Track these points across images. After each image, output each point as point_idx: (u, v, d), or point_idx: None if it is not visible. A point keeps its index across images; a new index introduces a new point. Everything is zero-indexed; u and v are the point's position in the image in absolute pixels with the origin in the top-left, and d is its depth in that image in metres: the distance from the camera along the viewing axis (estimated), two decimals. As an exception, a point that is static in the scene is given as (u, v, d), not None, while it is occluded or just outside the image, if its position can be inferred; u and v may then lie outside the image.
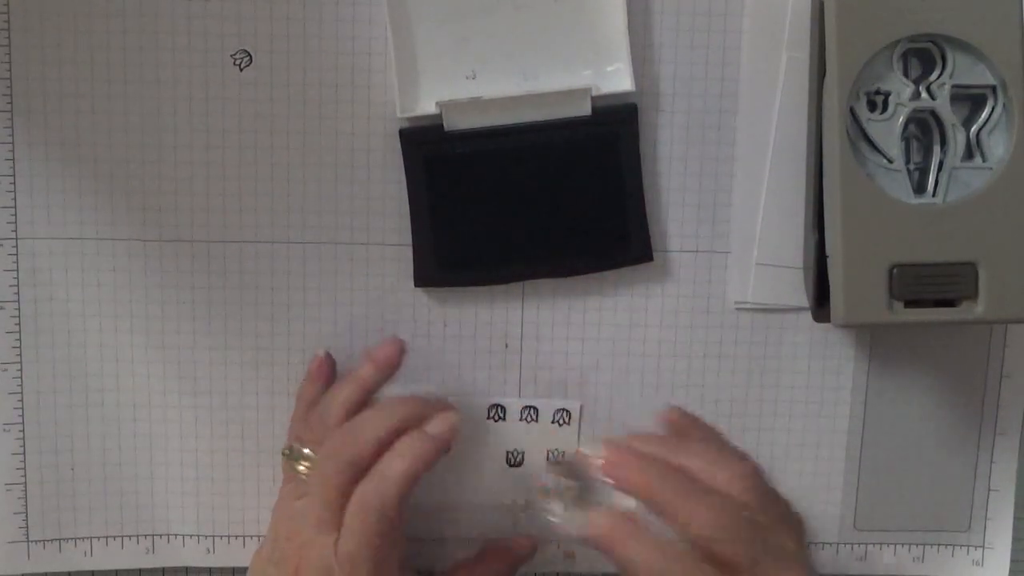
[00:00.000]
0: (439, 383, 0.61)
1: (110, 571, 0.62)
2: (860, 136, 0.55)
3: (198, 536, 0.62)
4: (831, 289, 0.55)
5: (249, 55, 0.59)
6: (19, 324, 0.60)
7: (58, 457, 0.61)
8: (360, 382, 0.56)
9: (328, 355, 0.59)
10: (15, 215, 0.59)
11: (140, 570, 0.62)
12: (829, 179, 0.55)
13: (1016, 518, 0.63)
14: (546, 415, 0.62)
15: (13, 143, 0.59)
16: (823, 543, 0.63)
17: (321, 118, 0.59)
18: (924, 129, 0.56)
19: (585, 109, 0.58)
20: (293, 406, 0.60)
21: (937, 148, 0.55)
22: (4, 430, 0.60)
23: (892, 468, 0.62)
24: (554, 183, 0.59)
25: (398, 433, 0.53)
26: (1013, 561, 0.63)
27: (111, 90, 0.59)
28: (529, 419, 0.62)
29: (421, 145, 0.58)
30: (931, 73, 0.55)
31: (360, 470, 0.52)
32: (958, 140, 0.55)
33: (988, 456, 0.62)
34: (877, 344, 0.61)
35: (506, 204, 0.59)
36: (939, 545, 0.63)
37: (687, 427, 0.58)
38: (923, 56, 0.55)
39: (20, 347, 0.60)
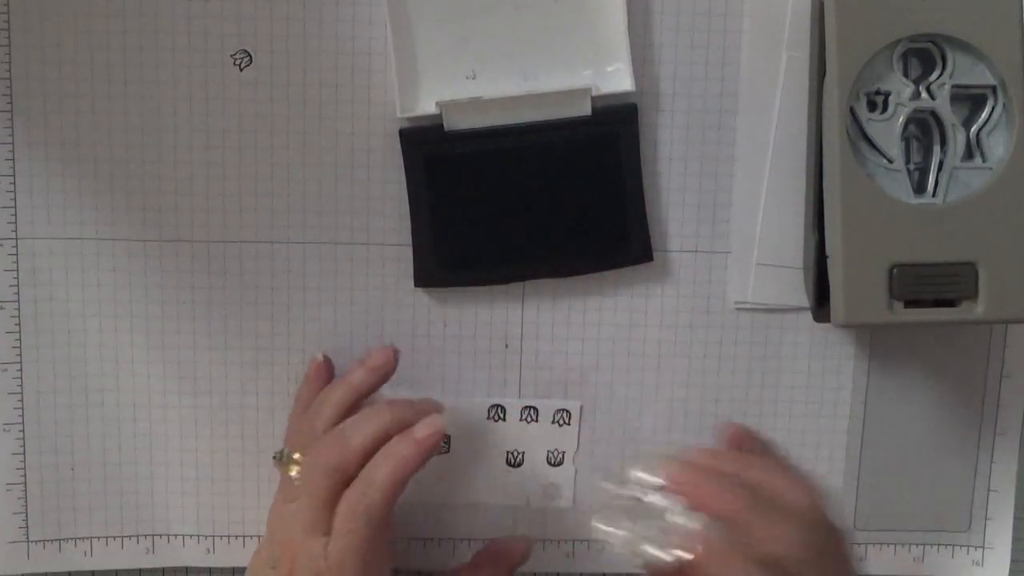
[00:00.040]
0: (439, 383, 0.61)
1: (110, 571, 0.62)
2: (860, 136, 0.55)
3: (198, 536, 0.62)
4: (831, 289, 0.55)
5: (249, 55, 0.59)
6: (19, 324, 0.60)
7: (58, 457, 0.61)
8: (350, 386, 0.56)
9: (326, 358, 0.59)
10: (15, 215, 0.59)
11: (140, 570, 0.62)
12: (829, 179, 0.55)
13: (1016, 518, 0.63)
14: (546, 415, 0.62)
15: (13, 143, 0.59)
16: (823, 543, 0.63)
17: (321, 118, 0.59)
18: (924, 129, 0.56)
19: (585, 109, 0.58)
20: (293, 406, 0.60)
21: (937, 148, 0.55)
22: (4, 430, 0.60)
23: (892, 468, 0.62)
24: (554, 183, 0.59)
25: (385, 438, 0.53)
26: (1013, 561, 0.63)
27: (111, 90, 0.59)
28: (529, 419, 0.62)
29: (421, 145, 0.58)
30: (931, 73, 0.55)
31: (348, 475, 0.52)
32: (958, 140, 0.55)
33: (988, 456, 0.62)
34: (877, 344, 0.61)
35: (506, 204, 0.59)
36: (939, 545, 0.63)
37: (747, 442, 0.58)
38: (923, 56, 0.55)
39: (20, 347, 0.60)
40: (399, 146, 0.59)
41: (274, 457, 0.57)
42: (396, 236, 0.60)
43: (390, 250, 0.60)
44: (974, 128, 0.55)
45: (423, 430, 0.53)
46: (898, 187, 0.54)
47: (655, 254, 0.60)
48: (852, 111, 0.54)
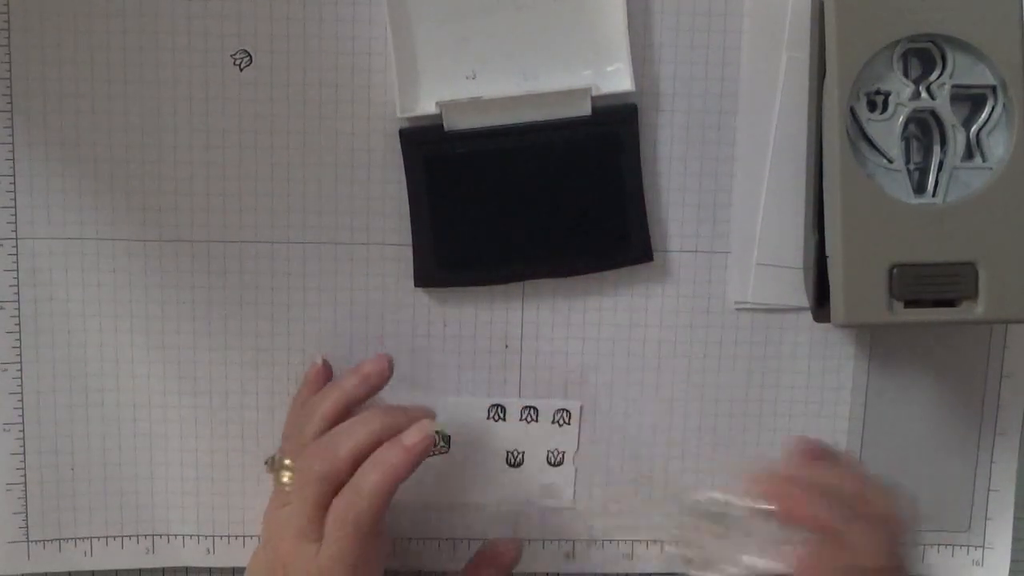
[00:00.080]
0: (439, 383, 0.61)
1: (110, 571, 0.62)
2: (860, 136, 0.55)
3: (198, 536, 0.62)
4: (831, 289, 0.55)
5: (249, 55, 0.59)
6: (19, 324, 0.60)
7: (58, 457, 0.61)
8: (342, 393, 0.56)
9: (326, 363, 0.59)
10: (15, 215, 0.59)
11: (140, 570, 0.62)
12: (829, 179, 0.55)
13: (1016, 518, 0.63)
14: (546, 415, 0.62)
15: (13, 143, 0.59)
16: (823, 543, 0.63)
17: (321, 118, 0.59)
18: (924, 129, 0.56)
19: (585, 109, 0.58)
20: (290, 409, 0.59)
21: (937, 148, 0.55)
22: (4, 430, 0.60)
23: (892, 468, 0.62)
24: (554, 183, 0.59)
25: (376, 444, 0.53)
26: (1013, 561, 0.63)
27: (111, 90, 0.59)
28: (529, 419, 0.62)
29: (421, 145, 0.58)
30: (931, 73, 0.55)
31: (338, 482, 0.52)
32: (958, 140, 0.55)
33: (988, 456, 0.62)
34: (877, 344, 0.61)
35: (506, 204, 0.59)
36: (939, 545, 0.63)
37: (821, 454, 0.58)
38: (923, 56, 0.55)
39: (20, 347, 0.60)
40: (399, 146, 0.59)
41: (265, 463, 0.57)
42: (396, 236, 0.60)
43: (390, 250, 0.60)
44: (974, 128, 0.55)
45: (412, 437, 0.53)
46: (898, 187, 0.54)
47: (655, 254, 0.60)
48: (852, 111, 0.54)
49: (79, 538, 0.62)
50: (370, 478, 0.52)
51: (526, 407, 0.62)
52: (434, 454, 0.53)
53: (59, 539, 0.61)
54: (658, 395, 0.62)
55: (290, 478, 0.54)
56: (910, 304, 0.54)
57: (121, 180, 0.59)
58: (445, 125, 0.58)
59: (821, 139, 0.55)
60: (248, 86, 0.59)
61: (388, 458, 0.52)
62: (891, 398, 0.62)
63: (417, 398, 0.59)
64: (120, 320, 0.60)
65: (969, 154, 0.55)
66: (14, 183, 0.59)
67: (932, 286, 0.54)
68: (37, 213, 0.59)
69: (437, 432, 0.53)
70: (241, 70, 0.59)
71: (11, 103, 0.58)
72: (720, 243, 0.61)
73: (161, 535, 0.62)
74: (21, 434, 0.61)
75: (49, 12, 0.58)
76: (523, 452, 0.62)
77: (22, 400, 0.60)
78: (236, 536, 0.62)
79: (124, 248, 0.60)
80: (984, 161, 0.55)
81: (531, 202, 0.59)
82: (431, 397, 0.60)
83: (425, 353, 0.61)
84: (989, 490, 0.63)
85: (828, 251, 0.56)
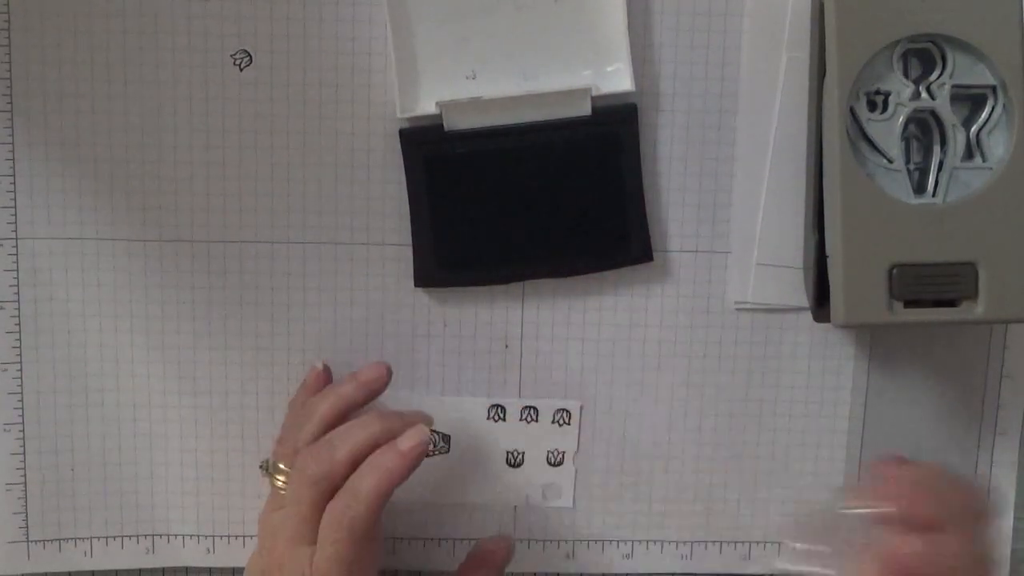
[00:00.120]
0: (439, 383, 0.61)
1: (110, 571, 0.62)
2: (860, 136, 0.55)
3: (198, 536, 0.62)
4: (831, 289, 0.55)
5: (249, 55, 0.59)
6: (19, 324, 0.60)
7: (58, 457, 0.61)
8: (339, 398, 0.56)
9: (326, 367, 0.59)
10: (15, 215, 0.59)
11: (140, 570, 0.62)
12: (829, 179, 0.55)
13: (1016, 518, 0.63)
14: (546, 415, 0.62)
15: (13, 143, 0.59)
16: (823, 543, 0.63)
17: (321, 118, 0.59)
18: (924, 129, 0.56)
19: (585, 109, 0.58)
20: (288, 412, 0.59)
21: (937, 148, 0.55)
22: (4, 430, 0.60)
23: (892, 468, 0.62)
24: (554, 183, 0.59)
25: (372, 448, 0.53)
26: (1013, 561, 0.63)
27: (111, 90, 0.59)
28: (529, 419, 0.62)
29: (421, 145, 0.58)
30: (931, 73, 0.55)
31: (333, 486, 0.52)
32: (958, 140, 0.55)
33: (988, 456, 0.62)
34: (877, 344, 0.61)
35: (506, 204, 0.59)
36: (939, 545, 0.63)
37: (903, 467, 0.58)
38: (923, 56, 0.55)
39: (20, 347, 0.60)
40: (399, 146, 0.59)
41: (260, 467, 0.57)
42: (396, 236, 0.60)
43: (390, 250, 0.60)
44: (974, 128, 0.55)
45: (408, 441, 0.52)
46: (898, 187, 0.54)
47: (655, 254, 0.60)
48: (852, 111, 0.54)
49: (79, 538, 0.62)
50: (366, 482, 0.51)
51: (526, 407, 0.62)
52: (434, 454, 0.53)
53: (59, 539, 0.61)
54: (658, 395, 0.62)
55: (283, 482, 0.55)
56: (910, 304, 0.54)
57: (121, 180, 0.59)
58: (445, 125, 0.58)
59: (821, 139, 0.55)
60: (248, 86, 0.59)
61: (384, 462, 0.52)
62: (891, 398, 0.62)
63: (417, 398, 0.59)
64: (120, 320, 0.60)
65: (969, 154, 0.55)
66: (14, 183, 0.59)
67: (932, 286, 0.54)
68: (37, 213, 0.59)
69: (437, 432, 0.53)
70: (241, 70, 0.59)
71: (11, 103, 0.58)
72: (720, 243, 0.61)
73: (161, 535, 0.62)
74: (21, 434, 0.61)
75: (49, 12, 0.58)
76: (523, 452, 0.62)
77: (22, 400, 0.60)
78: (236, 536, 0.62)
79: (124, 248, 0.60)
80: (984, 161, 0.55)
81: (531, 202, 0.59)
82: (431, 397, 0.60)
83: (425, 353, 0.61)
84: (989, 490, 0.62)
85: (828, 251, 0.56)
